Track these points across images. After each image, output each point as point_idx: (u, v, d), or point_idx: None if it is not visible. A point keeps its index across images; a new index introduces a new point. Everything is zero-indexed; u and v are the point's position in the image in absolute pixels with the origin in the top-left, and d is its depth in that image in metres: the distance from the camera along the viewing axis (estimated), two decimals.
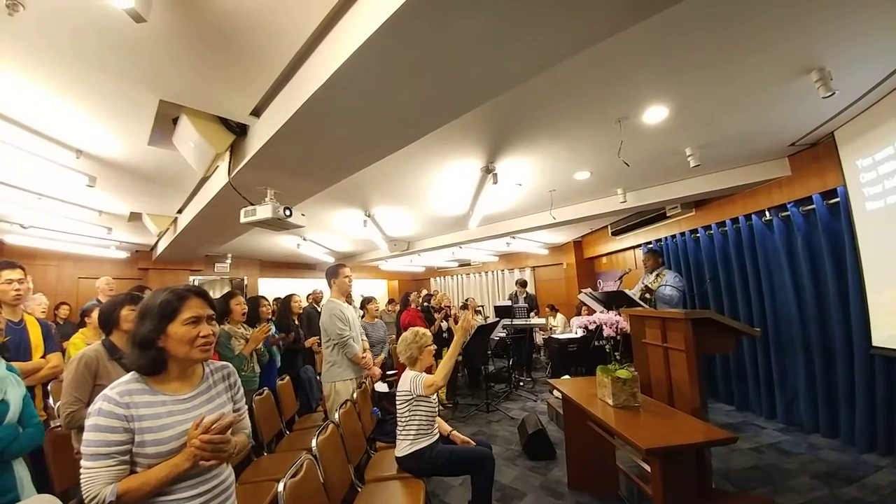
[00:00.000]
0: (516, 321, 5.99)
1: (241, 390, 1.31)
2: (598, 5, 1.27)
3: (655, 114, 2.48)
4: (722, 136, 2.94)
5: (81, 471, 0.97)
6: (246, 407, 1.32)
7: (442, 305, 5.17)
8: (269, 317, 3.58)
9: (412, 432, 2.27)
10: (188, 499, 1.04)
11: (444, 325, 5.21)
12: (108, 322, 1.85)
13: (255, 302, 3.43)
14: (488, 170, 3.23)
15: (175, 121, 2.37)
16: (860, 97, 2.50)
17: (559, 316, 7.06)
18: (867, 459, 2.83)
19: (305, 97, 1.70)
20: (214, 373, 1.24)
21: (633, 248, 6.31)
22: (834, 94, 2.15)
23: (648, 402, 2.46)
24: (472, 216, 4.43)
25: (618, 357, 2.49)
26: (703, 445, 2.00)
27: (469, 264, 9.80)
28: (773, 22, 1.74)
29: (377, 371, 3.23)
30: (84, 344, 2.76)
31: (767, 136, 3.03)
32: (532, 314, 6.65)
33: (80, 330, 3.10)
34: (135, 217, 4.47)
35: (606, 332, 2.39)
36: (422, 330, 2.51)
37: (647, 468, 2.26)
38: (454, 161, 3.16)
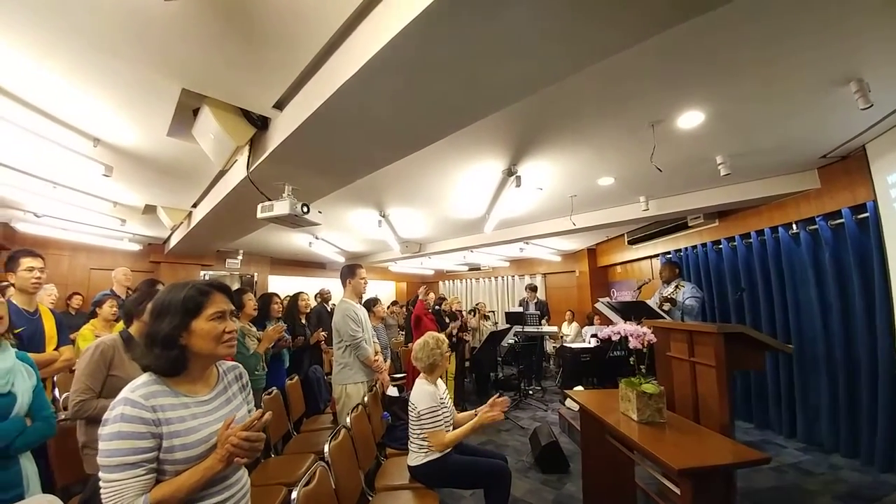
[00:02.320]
0: (527, 328, 5.88)
1: (251, 392, 1.28)
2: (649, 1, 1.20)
3: (691, 119, 2.40)
4: (755, 146, 2.84)
5: (103, 484, 0.89)
6: (255, 409, 1.27)
7: (453, 309, 5.09)
8: (279, 315, 3.53)
9: (425, 443, 2.19)
10: None
11: (455, 331, 5.13)
12: (132, 312, 1.81)
13: (268, 299, 3.37)
14: (511, 172, 3.16)
15: (195, 112, 2.34)
16: (894, 110, 2.40)
17: (572, 324, 6.93)
18: (886, 479, 2.79)
19: (333, 89, 1.64)
20: (227, 373, 1.20)
21: (651, 257, 6.17)
22: (872, 105, 2.09)
23: (673, 417, 2.36)
24: (488, 219, 4.34)
25: (643, 370, 2.39)
26: (736, 466, 1.89)
27: (479, 269, 9.72)
28: (815, 28, 1.68)
29: (387, 378, 3.15)
30: (93, 336, 2.73)
31: (800, 146, 2.93)
32: (543, 321, 6.54)
33: (91, 321, 3.07)
34: (149, 209, 4.45)
35: (633, 343, 2.28)
36: (441, 336, 2.43)
37: (671, 487, 2.15)
38: (476, 162, 3.09)
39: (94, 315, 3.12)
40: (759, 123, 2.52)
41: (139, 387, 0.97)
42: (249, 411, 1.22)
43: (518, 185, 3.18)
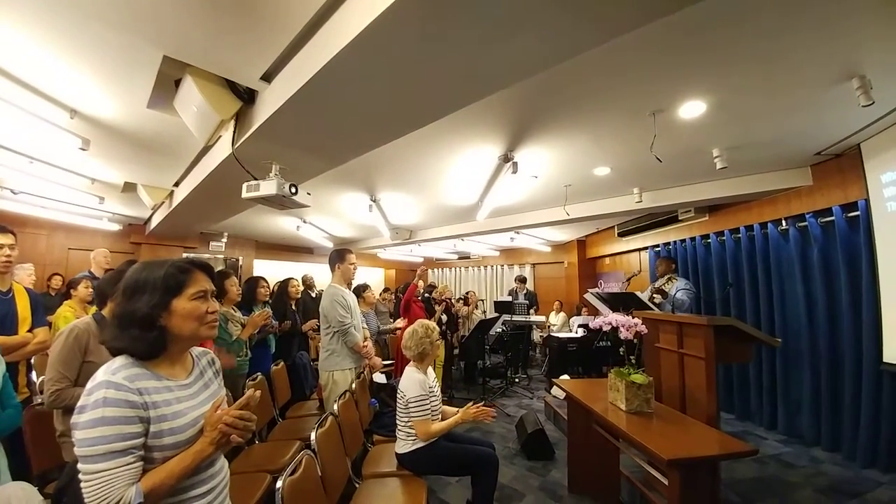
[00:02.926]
0: (516, 317, 5.91)
1: (222, 378, 1.23)
2: None
3: (692, 109, 2.36)
4: (753, 139, 2.82)
5: (86, 477, 0.82)
6: (229, 394, 1.25)
7: (443, 297, 5.05)
8: (266, 299, 3.44)
9: (413, 431, 2.16)
10: (199, 496, 0.96)
11: (444, 317, 5.10)
12: (106, 294, 1.71)
13: (254, 282, 3.28)
14: (507, 158, 3.09)
15: (178, 83, 2.20)
16: (893, 109, 2.40)
17: (560, 314, 6.98)
18: (868, 475, 2.83)
19: (326, 60, 1.53)
20: (200, 358, 1.15)
21: (640, 250, 6.21)
22: (873, 103, 2.08)
23: (660, 408, 2.38)
24: (481, 207, 4.28)
25: (633, 361, 2.39)
26: (724, 457, 1.92)
27: (469, 257, 9.69)
28: (820, 23, 1.66)
29: (378, 361, 3.10)
30: (74, 317, 2.62)
31: (796, 142, 2.92)
32: (532, 311, 6.57)
33: (66, 302, 2.95)
34: (129, 188, 4.27)
35: (624, 334, 2.28)
36: (431, 324, 2.38)
37: (658, 476, 2.18)
38: (473, 146, 3.00)
39: (68, 296, 3.00)
40: (759, 116, 2.50)
41: (119, 369, 0.90)
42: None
43: (514, 172, 3.12)
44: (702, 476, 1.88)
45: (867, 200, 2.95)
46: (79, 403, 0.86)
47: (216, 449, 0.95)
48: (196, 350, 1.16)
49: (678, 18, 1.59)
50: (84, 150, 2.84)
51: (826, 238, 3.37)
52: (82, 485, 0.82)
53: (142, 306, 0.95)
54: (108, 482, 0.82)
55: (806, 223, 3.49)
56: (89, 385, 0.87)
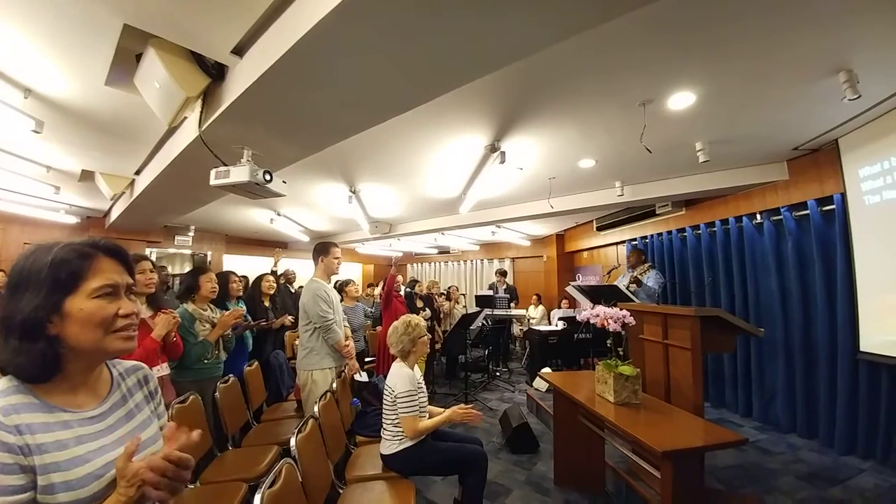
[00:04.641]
0: (497, 311, 5.88)
1: (163, 401, 0.95)
2: None
3: (682, 100, 2.34)
4: (736, 133, 2.85)
5: None
6: (168, 423, 0.87)
7: (429, 293, 4.96)
8: (239, 294, 3.24)
9: (400, 430, 2.06)
10: None
11: (428, 312, 5.01)
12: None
13: (225, 277, 3.07)
14: (494, 148, 3.00)
15: (139, 58, 1.99)
16: (874, 105, 2.46)
17: (539, 308, 7.02)
18: (848, 462, 2.89)
19: (305, 30, 1.39)
20: (126, 376, 0.86)
21: (617, 244, 6.30)
22: (860, 97, 2.10)
23: (646, 399, 2.39)
24: (464, 200, 4.20)
25: (620, 353, 2.38)
26: (715, 448, 1.92)
27: (448, 252, 9.61)
28: (810, 17, 1.66)
29: (356, 364, 2.98)
30: None
31: (776, 137, 2.98)
32: (512, 304, 6.57)
33: None
34: (87, 176, 3.95)
35: (613, 326, 2.26)
36: (415, 319, 2.29)
37: (645, 465, 2.17)
38: (458, 134, 2.89)
39: None
40: (745, 108, 2.50)
41: None
42: (162, 427, 0.89)
43: (503, 162, 3.04)
44: (691, 465, 1.89)
45: (843, 194, 3.02)
46: None
47: None
48: (124, 365, 0.88)
49: (672, 12, 1.58)
50: (37, 132, 2.58)
51: (800, 231, 3.47)
52: None
53: (24, 307, 0.69)
54: None
55: (781, 217, 3.58)
56: None
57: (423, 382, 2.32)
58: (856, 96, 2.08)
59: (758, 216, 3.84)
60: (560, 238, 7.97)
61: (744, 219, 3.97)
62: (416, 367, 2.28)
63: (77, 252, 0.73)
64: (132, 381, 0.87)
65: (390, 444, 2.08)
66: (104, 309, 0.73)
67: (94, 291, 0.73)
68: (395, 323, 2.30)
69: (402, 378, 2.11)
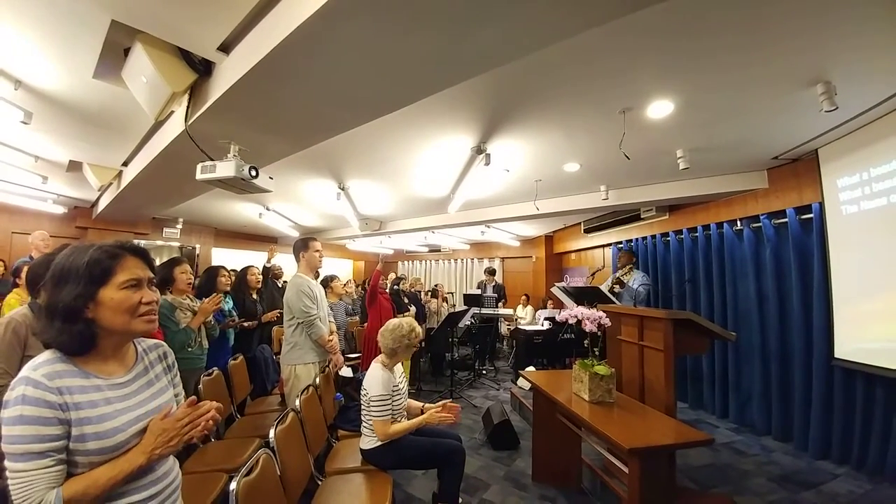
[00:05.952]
0: (484, 310, 5.94)
1: (178, 374, 1.13)
2: None
3: (660, 108, 2.40)
4: (715, 142, 2.92)
5: (10, 474, 0.78)
6: (183, 393, 1.13)
7: (413, 290, 4.99)
8: (227, 289, 3.26)
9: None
10: (140, 502, 0.88)
11: (413, 309, 5.05)
12: (38, 282, 1.56)
13: (214, 272, 3.08)
14: (480, 150, 3.05)
15: (127, 52, 2.00)
16: (854, 116, 2.52)
17: (527, 307, 7.10)
18: (821, 466, 2.93)
19: (292, 27, 1.42)
20: (149, 352, 1.05)
21: (604, 246, 6.40)
22: (836, 108, 2.14)
23: (621, 398, 2.45)
24: (453, 199, 4.24)
25: (597, 353, 2.44)
26: (681, 446, 1.99)
27: (439, 250, 9.65)
28: (789, 30, 1.71)
29: (341, 359, 3.01)
30: (19, 305, 2.38)
31: (755, 146, 3.05)
32: (500, 304, 6.64)
33: (14, 290, 2.69)
34: (74, 167, 3.93)
35: (589, 327, 2.32)
36: (417, 328, 2.32)
37: (617, 463, 2.25)
38: (446, 135, 2.93)
39: (16, 285, 2.75)
40: (724, 118, 2.56)
41: (41, 365, 0.83)
42: (177, 395, 1.08)
43: (487, 164, 3.09)
44: (660, 463, 1.95)
45: (821, 203, 3.08)
46: (5, 397, 0.80)
47: (148, 460, 0.87)
48: (147, 342, 1.06)
49: (651, 24, 1.63)
50: (26, 123, 2.60)
51: (779, 238, 3.56)
52: (9, 482, 0.78)
53: (65, 297, 0.86)
54: (28, 483, 0.77)
55: (760, 224, 3.67)
56: (14, 380, 0.82)
57: (404, 381, 2.35)
58: (833, 108, 2.12)
59: (738, 223, 3.94)
60: (549, 239, 8.05)
61: (724, 225, 4.07)
62: (398, 366, 2.32)
63: (108, 253, 0.91)
64: (153, 356, 1.05)
65: (369, 439, 2.12)
66: (130, 298, 0.91)
67: (122, 284, 0.91)
68: (401, 321, 2.29)
69: (378, 381, 2.12)
